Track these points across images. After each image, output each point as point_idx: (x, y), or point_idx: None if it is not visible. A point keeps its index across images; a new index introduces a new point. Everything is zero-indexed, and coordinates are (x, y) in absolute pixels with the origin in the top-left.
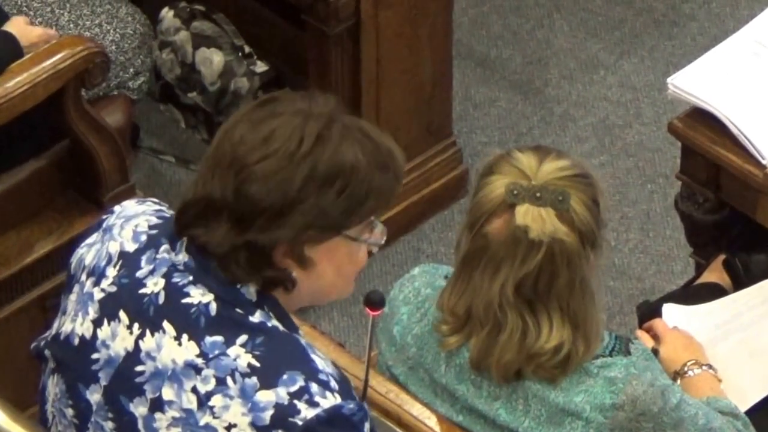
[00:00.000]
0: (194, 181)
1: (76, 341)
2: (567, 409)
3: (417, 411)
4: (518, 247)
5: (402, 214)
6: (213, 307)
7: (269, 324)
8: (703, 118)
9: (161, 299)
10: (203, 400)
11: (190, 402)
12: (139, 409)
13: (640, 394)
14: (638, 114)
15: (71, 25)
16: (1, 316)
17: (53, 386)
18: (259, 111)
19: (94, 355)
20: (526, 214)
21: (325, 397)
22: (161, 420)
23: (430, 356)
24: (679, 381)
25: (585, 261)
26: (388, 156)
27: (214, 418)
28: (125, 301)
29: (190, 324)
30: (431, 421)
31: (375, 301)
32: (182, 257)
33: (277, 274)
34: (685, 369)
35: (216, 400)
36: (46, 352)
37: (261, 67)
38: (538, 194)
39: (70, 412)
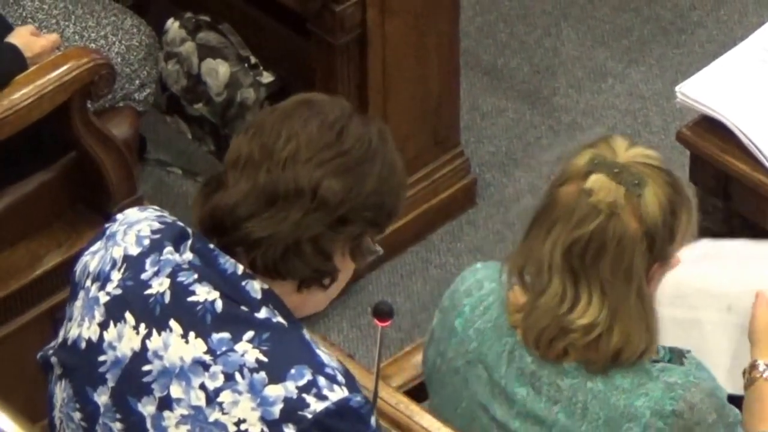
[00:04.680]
0: (231, 175)
1: (83, 345)
2: (627, 414)
3: (427, 422)
4: (577, 209)
5: (410, 224)
6: (219, 304)
7: (274, 320)
8: (711, 127)
9: (167, 298)
10: (212, 397)
11: (199, 399)
12: (147, 408)
13: (697, 402)
14: (646, 122)
15: (76, 37)
16: (12, 327)
17: (60, 392)
18: (308, 110)
19: (101, 358)
20: (596, 181)
21: (333, 390)
22: (170, 418)
23: (491, 354)
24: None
25: (638, 255)
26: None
27: (224, 414)
28: (131, 302)
29: (196, 322)
30: None
31: (383, 312)
32: (187, 257)
33: (329, 269)
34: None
35: (225, 396)
36: (53, 359)
37: (267, 77)
38: (616, 170)
39: (77, 415)
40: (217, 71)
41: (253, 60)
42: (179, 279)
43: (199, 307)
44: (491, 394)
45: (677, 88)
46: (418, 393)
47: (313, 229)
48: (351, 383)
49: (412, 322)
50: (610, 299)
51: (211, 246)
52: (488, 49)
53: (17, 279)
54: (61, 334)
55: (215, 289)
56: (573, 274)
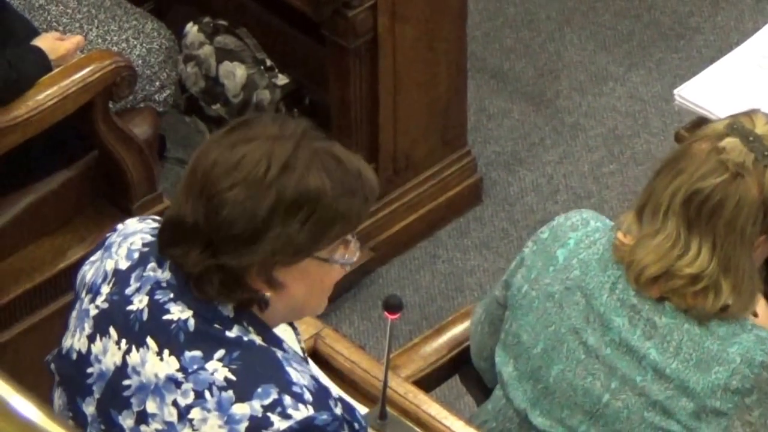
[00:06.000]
0: (174, 200)
1: (74, 356)
2: (718, 358)
3: (435, 411)
4: (705, 163)
5: (419, 221)
6: (191, 323)
7: (246, 338)
8: None
9: (145, 316)
10: (183, 413)
11: (171, 415)
12: (126, 421)
13: None
14: (646, 124)
15: (99, 41)
16: (37, 319)
17: (57, 399)
18: (232, 135)
19: (89, 369)
20: (730, 143)
21: (297, 409)
22: None
23: (593, 283)
24: None
25: (752, 221)
26: (357, 179)
27: (194, 430)
28: (115, 317)
29: (170, 340)
30: (448, 420)
31: (393, 306)
32: (166, 275)
33: (250, 296)
34: None
35: (195, 413)
36: (52, 366)
37: (282, 79)
38: (751, 138)
39: (70, 423)
40: (234, 73)
41: (268, 62)
42: (156, 297)
43: (173, 325)
44: (586, 321)
45: (675, 91)
46: (426, 383)
47: (216, 259)
48: (320, 401)
49: (420, 314)
50: (720, 255)
51: None
52: (494, 54)
53: (42, 272)
54: (61, 342)
55: (189, 308)
56: (688, 223)
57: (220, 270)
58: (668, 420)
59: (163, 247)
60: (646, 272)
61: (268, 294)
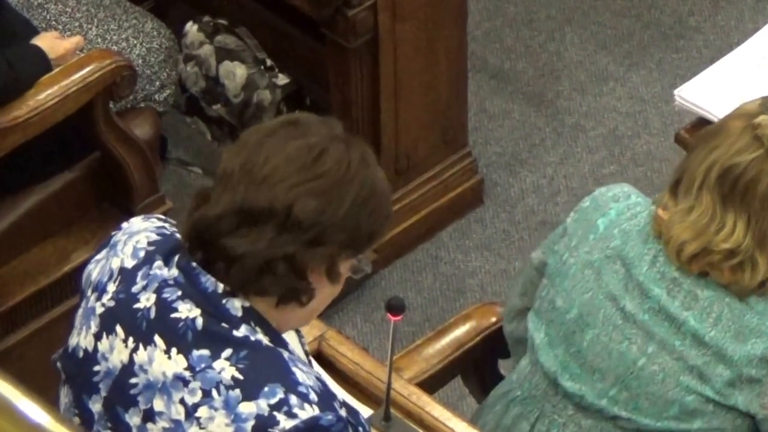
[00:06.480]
0: (215, 193)
1: (81, 354)
2: (756, 330)
3: (438, 413)
4: (741, 138)
5: (420, 222)
6: (199, 321)
7: (253, 338)
8: None
9: (152, 314)
10: (190, 412)
11: (179, 413)
12: (133, 419)
13: None
14: (646, 125)
15: (99, 40)
16: (43, 322)
17: (64, 397)
18: (292, 130)
19: (96, 368)
20: (765, 119)
21: (303, 408)
22: (153, 430)
23: (633, 253)
24: None
25: None
26: (387, 183)
27: (201, 428)
28: (121, 315)
29: (178, 338)
30: (452, 422)
31: (396, 307)
32: (173, 273)
33: (304, 287)
34: None
35: (202, 412)
36: (58, 365)
37: (283, 79)
38: None
39: (76, 420)
40: (235, 73)
41: (269, 62)
42: (164, 295)
43: (181, 323)
44: (624, 288)
45: (675, 92)
46: (429, 384)
47: (286, 248)
48: (325, 402)
49: (422, 316)
50: (755, 230)
51: (194, 264)
52: (495, 53)
53: (46, 275)
54: (67, 341)
55: (197, 306)
56: (722, 198)
57: (287, 260)
58: (703, 385)
59: (219, 236)
60: (686, 250)
61: (314, 288)
